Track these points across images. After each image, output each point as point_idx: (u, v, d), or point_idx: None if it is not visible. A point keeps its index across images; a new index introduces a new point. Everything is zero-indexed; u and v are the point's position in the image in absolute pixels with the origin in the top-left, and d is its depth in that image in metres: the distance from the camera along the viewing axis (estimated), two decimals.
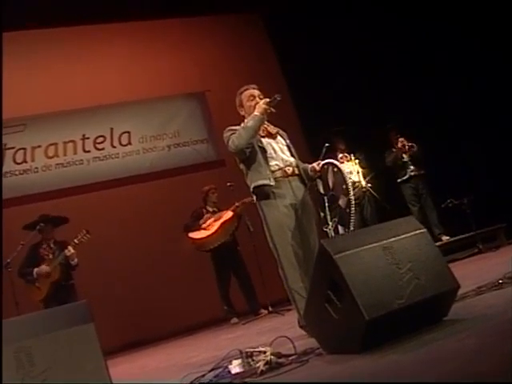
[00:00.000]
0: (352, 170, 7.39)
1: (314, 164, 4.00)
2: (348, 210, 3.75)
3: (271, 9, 9.46)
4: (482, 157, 7.21)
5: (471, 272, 5.09)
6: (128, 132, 8.86)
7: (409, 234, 2.81)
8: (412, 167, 7.46)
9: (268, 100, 3.88)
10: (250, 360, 2.80)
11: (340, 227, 3.88)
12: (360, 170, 7.36)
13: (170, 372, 3.83)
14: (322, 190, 4.02)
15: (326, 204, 3.96)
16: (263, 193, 3.83)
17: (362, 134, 7.58)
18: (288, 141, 4.07)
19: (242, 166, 3.97)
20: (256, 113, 3.86)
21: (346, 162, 7.43)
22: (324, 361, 2.67)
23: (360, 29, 8.52)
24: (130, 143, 8.84)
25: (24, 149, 8.30)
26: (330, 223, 3.93)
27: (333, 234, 3.91)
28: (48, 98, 8.36)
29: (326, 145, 7.16)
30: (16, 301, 5.68)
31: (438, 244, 6.76)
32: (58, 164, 8.41)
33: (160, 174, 8.79)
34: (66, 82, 8.52)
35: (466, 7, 7.24)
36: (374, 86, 8.36)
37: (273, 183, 3.80)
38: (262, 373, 2.67)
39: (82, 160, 8.54)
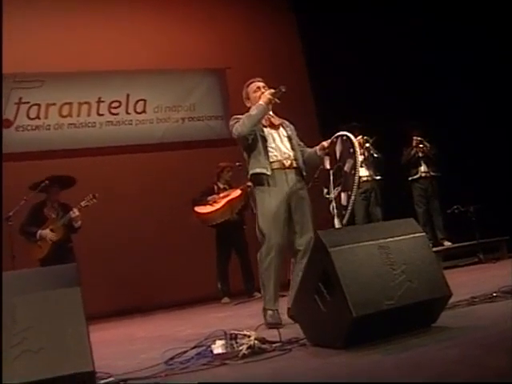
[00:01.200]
0: (363, 163, 7.30)
1: (323, 143, 4.05)
2: (353, 172, 3.75)
3: None
4: (496, 167, 7.15)
5: (467, 281, 5.07)
6: (144, 100, 8.84)
7: (407, 236, 2.79)
8: (424, 167, 7.40)
9: (273, 91, 4.00)
10: (233, 342, 2.79)
11: (343, 194, 3.85)
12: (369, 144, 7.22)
13: (154, 344, 3.84)
14: (328, 166, 4.02)
15: (331, 178, 3.96)
16: (259, 180, 3.96)
17: (381, 131, 7.48)
18: (291, 132, 4.14)
19: (244, 154, 4.10)
20: (261, 102, 3.97)
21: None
22: (306, 352, 2.66)
23: (389, 26, 8.40)
24: (144, 111, 8.82)
25: (38, 105, 8.31)
26: (333, 191, 3.92)
27: (334, 204, 3.89)
28: (69, 57, 8.33)
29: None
30: (13, 254, 5.70)
31: (439, 249, 6.74)
32: (70, 124, 8.41)
33: (171, 145, 8.78)
34: (89, 43, 8.50)
35: (491, 8, 7.13)
36: (399, 85, 8.29)
37: (269, 172, 3.91)
38: (244, 356, 2.67)
39: (94, 123, 8.54)
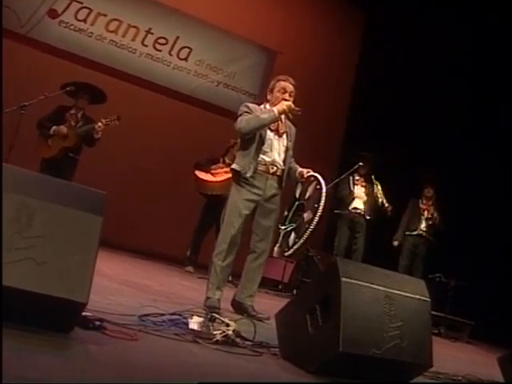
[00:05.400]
0: (361, 196, 7.27)
1: (304, 170, 4.09)
2: (306, 226, 3.79)
3: (378, 8, 9.23)
4: (493, 253, 7.22)
5: None
6: (190, 49, 8.71)
7: (414, 296, 2.77)
8: (424, 227, 7.34)
9: (292, 106, 4.00)
10: (210, 324, 2.76)
11: (293, 234, 3.94)
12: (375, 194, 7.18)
13: (122, 288, 3.84)
14: (296, 195, 4.12)
15: (294, 208, 4.07)
16: (237, 177, 4.03)
17: (394, 171, 7.47)
18: (290, 143, 4.17)
19: (239, 141, 4.18)
20: (275, 109, 3.98)
21: (359, 187, 7.30)
22: (276, 363, 2.63)
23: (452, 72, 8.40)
24: (186, 60, 8.69)
25: (90, 10, 8.15)
26: (287, 224, 4.04)
27: (281, 236, 4.05)
28: None
29: (360, 164, 7.11)
30: (11, 144, 5.54)
31: None
32: (112, 41, 8.26)
33: (198, 102, 8.70)
34: None
35: None
36: (434, 136, 8.30)
37: (248, 175, 3.96)
38: (217, 342, 2.63)
39: (135, 50, 8.40)
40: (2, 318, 1.86)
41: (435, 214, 7.25)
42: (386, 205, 7.04)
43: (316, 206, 3.78)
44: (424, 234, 7.30)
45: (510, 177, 7.71)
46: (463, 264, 7.20)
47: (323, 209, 3.75)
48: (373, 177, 7.23)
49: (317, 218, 3.72)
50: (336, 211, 7.24)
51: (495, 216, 7.63)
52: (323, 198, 3.76)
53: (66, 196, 2.11)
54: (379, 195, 7.08)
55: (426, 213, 7.29)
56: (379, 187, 7.14)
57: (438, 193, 7.40)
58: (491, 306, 7.11)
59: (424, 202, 7.39)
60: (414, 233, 7.32)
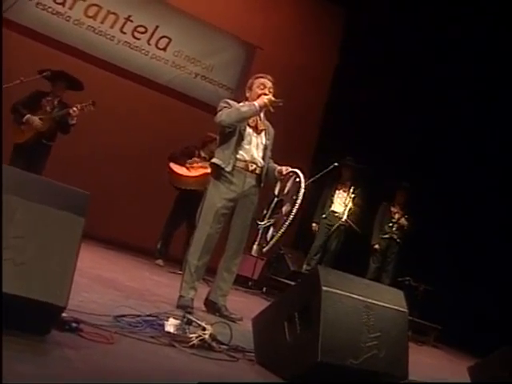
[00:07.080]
0: (341, 202, 7.32)
1: (283, 168, 4.08)
2: (285, 218, 3.77)
3: (358, 6, 9.21)
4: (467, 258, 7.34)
5: None
6: (169, 39, 8.56)
7: (392, 306, 2.77)
8: (395, 230, 7.38)
9: (273, 99, 4.00)
10: (186, 327, 2.72)
11: (271, 229, 3.92)
12: (351, 204, 7.27)
13: (94, 284, 3.74)
14: (276, 192, 4.12)
15: (272, 205, 4.06)
16: (216, 172, 4.01)
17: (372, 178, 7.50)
18: (269, 142, 4.18)
19: (218, 137, 4.15)
20: (255, 103, 3.99)
21: (341, 191, 7.35)
22: (253, 369, 2.62)
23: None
24: (164, 50, 8.55)
25: None
26: (265, 221, 4.01)
27: (260, 233, 4.01)
28: None
29: (335, 164, 7.10)
30: None
31: None
32: (90, 26, 8.06)
33: (173, 93, 8.56)
34: None
35: None
36: (409, 144, 8.35)
37: (228, 169, 3.95)
38: (193, 346, 2.60)
39: (113, 37, 8.22)
40: None
41: (401, 220, 7.32)
42: (344, 218, 7.18)
43: (294, 197, 3.76)
44: (395, 237, 7.36)
45: (481, 183, 7.79)
46: (432, 268, 7.27)
47: (302, 201, 3.73)
48: (352, 188, 7.28)
49: (295, 209, 3.70)
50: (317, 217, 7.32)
51: (466, 222, 7.72)
52: (302, 190, 3.74)
53: (48, 195, 2.04)
54: (346, 207, 7.19)
55: (396, 216, 7.36)
56: (350, 203, 7.20)
57: (411, 199, 7.46)
58: (456, 310, 7.21)
59: (396, 205, 7.45)
60: (385, 236, 7.38)
